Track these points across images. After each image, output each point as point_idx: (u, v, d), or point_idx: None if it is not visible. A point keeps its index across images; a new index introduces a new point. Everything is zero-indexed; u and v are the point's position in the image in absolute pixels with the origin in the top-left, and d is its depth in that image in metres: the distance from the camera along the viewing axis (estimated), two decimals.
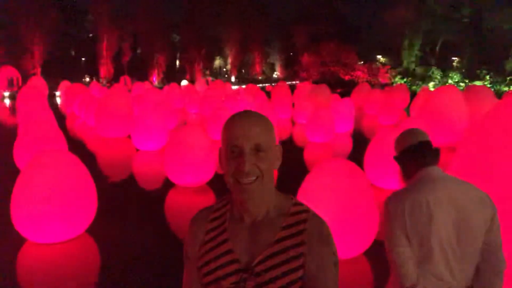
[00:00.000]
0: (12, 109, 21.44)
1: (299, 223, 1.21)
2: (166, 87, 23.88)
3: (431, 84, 34.46)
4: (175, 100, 20.22)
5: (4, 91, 28.32)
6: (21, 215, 4.52)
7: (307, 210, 1.25)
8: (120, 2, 41.96)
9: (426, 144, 1.97)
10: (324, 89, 20.25)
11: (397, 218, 1.84)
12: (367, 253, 4.25)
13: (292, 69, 48.62)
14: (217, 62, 53.06)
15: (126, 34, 40.53)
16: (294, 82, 41.70)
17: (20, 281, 4.12)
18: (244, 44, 49.60)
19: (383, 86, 31.86)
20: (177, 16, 46.13)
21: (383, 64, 40.93)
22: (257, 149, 1.16)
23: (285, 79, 45.25)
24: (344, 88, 32.12)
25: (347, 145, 11.81)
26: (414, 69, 38.37)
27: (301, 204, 1.27)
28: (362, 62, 41.97)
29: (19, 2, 33.35)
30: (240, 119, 1.18)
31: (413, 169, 1.97)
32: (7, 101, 25.91)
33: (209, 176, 6.92)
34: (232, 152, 1.17)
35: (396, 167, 2.11)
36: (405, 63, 39.31)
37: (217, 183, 6.94)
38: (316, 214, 1.25)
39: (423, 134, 2.01)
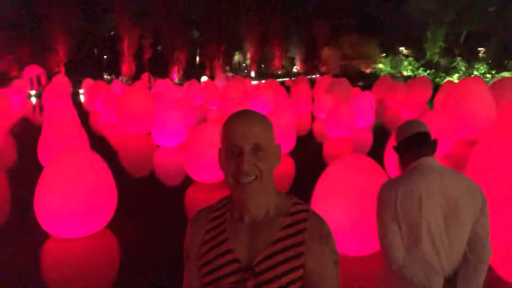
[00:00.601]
0: (38, 107, 22.05)
1: (299, 223, 1.21)
2: (186, 84, 24.03)
3: (455, 76, 33.51)
4: (195, 96, 20.33)
5: (30, 89, 29.14)
6: (44, 211, 4.65)
7: (307, 210, 1.25)
8: (141, 0, 42.45)
9: (423, 135, 2.01)
10: (344, 83, 19.97)
11: (388, 205, 1.92)
12: None
13: (312, 63, 48.23)
14: (237, 57, 53.05)
15: (147, 32, 41.00)
16: (314, 76, 41.41)
17: (44, 275, 4.24)
18: (263, 39, 49.40)
19: (405, 78, 31.25)
20: (197, 12, 46.31)
21: (406, 56, 40.07)
22: (257, 148, 1.16)
23: (305, 73, 44.95)
24: (365, 81, 31.65)
25: (367, 140, 11.63)
26: (438, 61, 37.34)
27: (301, 204, 1.27)
28: (384, 54, 41.25)
29: (43, 2, 34.20)
30: (240, 118, 1.18)
31: (409, 159, 2.02)
32: (33, 99, 26.65)
33: None
34: (231, 152, 1.17)
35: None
36: (428, 55, 38.29)
37: None
38: (316, 213, 1.25)
39: (421, 125, 2.05)
